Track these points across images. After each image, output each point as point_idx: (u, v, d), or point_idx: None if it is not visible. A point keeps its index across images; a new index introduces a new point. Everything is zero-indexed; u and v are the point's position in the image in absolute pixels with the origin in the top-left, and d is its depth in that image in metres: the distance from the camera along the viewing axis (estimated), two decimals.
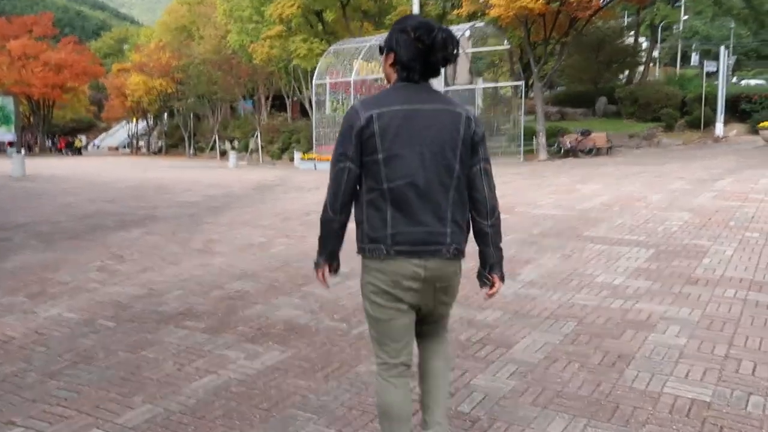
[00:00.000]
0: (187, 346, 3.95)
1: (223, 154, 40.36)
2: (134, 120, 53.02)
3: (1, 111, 41.61)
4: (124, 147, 58.55)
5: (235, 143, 39.54)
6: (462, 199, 2.34)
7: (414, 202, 2.23)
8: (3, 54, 41.92)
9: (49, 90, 42.39)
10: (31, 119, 47.74)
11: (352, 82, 21.16)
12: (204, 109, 38.43)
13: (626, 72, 38.84)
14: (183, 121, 42.65)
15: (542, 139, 22.94)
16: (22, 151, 34.14)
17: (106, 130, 66.14)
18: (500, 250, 2.47)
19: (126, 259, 6.50)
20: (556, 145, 24.12)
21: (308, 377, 3.44)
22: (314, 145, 22.53)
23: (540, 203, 9.92)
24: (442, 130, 2.26)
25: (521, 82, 24.78)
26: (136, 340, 4.07)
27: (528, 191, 11.91)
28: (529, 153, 24.23)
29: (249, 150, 33.70)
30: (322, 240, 2.43)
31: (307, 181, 16.21)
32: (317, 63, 23.49)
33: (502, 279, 2.48)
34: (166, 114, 46.62)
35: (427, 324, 2.48)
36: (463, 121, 2.29)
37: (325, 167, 21.85)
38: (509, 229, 7.63)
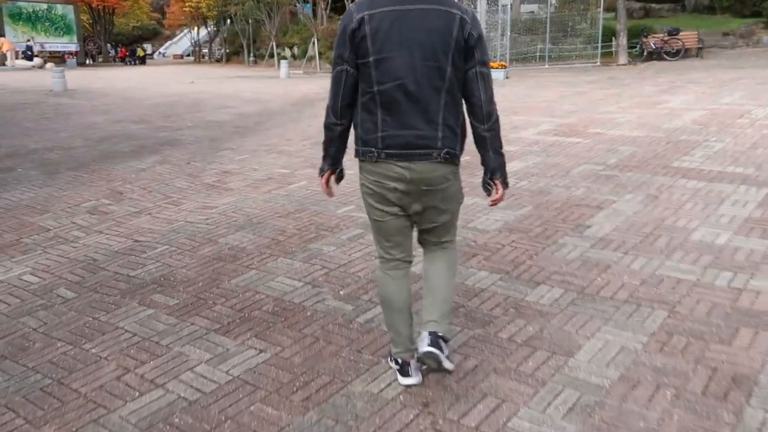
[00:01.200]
0: (143, 337, 3.03)
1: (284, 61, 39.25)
2: (196, 27, 52.19)
3: (63, 20, 41.37)
4: (188, 55, 58.14)
5: (295, 50, 38.23)
6: (455, 102, 2.31)
7: (404, 105, 2.23)
8: None
9: None
10: (94, 28, 47.47)
11: None
12: (260, 14, 36.92)
13: None
14: (241, 28, 41.44)
15: (623, 39, 20.55)
16: (65, 65, 33.97)
17: (170, 38, 65.69)
18: (501, 155, 2.47)
19: (125, 196, 5.63)
20: (638, 46, 21.69)
21: (281, 401, 2.46)
22: None
23: (618, 121, 8.42)
24: (434, 32, 2.21)
25: None
26: (86, 324, 3.19)
27: (604, 104, 10.32)
28: (608, 56, 21.90)
29: (306, 57, 32.32)
30: (326, 144, 2.45)
31: None
32: None
33: (505, 184, 2.47)
34: (229, 21, 45.29)
35: (426, 232, 2.50)
36: (457, 23, 2.22)
37: None
38: (578, 157, 6.31)
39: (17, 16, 38.93)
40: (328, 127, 2.40)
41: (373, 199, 2.37)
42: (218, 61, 46.71)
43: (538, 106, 10.48)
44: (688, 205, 4.65)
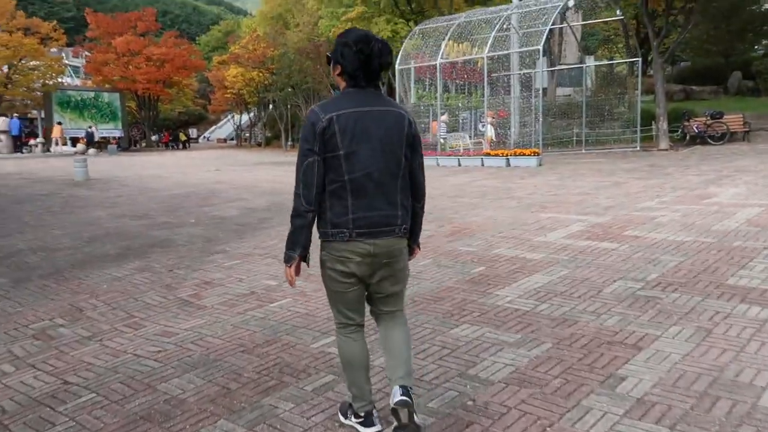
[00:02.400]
0: None
1: None
2: (239, 112, 53.62)
3: (109, 107, 42.88)
4: (231, 139, 59.57)
5: None
6: (406, 186, 2.70)
7: (370, 190, 2.59)
8: (109, 51, 43.05)
9: (152, 85, 43.13)
10: (140, 114, 49.08)
11: (438, 65, 18.98)
12: (297, 100, 37.56)
13: (764, 42, 33.85)
14: (279, 113, 42.25)
15: (663, 123, 19.72)
16: (107, 150, 34.72)
17: (215, 122, 67.70)
18: (422, 223, 2.89)
19: (83, 315, 4.90)
20: (680, 130, 20.84)
21: None
22: None
23: (660, 221, 7.48)
24: (392, 128, 2.61)
25: (638, 59, 21.54)
26: None
27: (644, 198, 9.39)
28: (648, 140, 21.04)
29: None
30: (297, 234, 2.64)
31: None
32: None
33: (419, 246, 2.93)
34: (271, 106, 46.31)
35: (381, 302, 2.81)
36: (407, 122, 2.66)
37: None
38: (612, 270, 5.36)
39: (66, 104, 40.47)
40: (301, 215, 2.61)
41: (338, 273, 2.67)
42: (259, 145, 47.56)
43: (571, 200, 9.62)
44: (752, 346, 3.65)
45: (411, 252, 2.86)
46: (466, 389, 3.28)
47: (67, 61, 49.22)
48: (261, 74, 42.13)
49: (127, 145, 43.15)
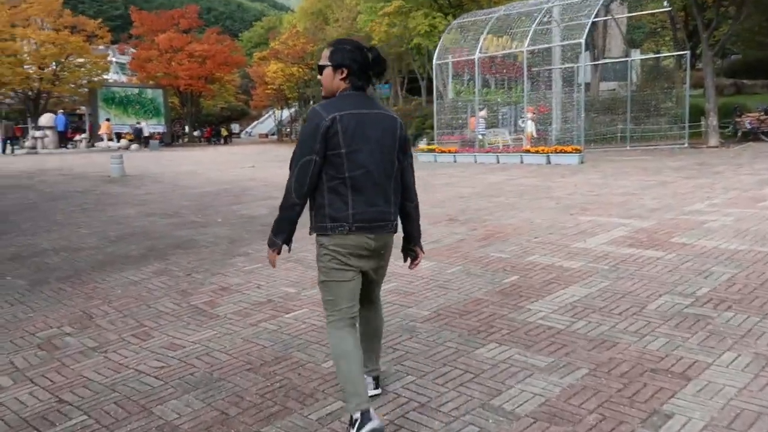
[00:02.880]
0: None
1: None
2: (279, 108, 53.88)
3: (152, 103, 43.49)
4: (273, 134, 59.95)
5: None
6: (398, 187, 2.90)
7: (369, 188, 2.76)
8: (153, 48, 43.64)
9: (194, 81, 43.55)
10: (182, 110, 49.66)
11: (477, 60, 18.46)
12: None
13: None
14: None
15: (713, 119, 18.82)
16: (149, 146, 35.12)
17: (257, 117, 68.23)
18: (420, 225, 3.11)
19: (92, 322, 4.70)
20: (731, 126, 19.88)
21: None
22: (435, 134, 20.14)
23: (711, 226, 6.94)
24: (387, 131, 2.82)
25: (686, 52, 20.61)
26: None
27: (692, 200, 8.81)
28: (696, 136, 20.14)
29: None
30: (282, 223, 2.85)
31: (417, 179, 13.87)
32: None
33: (422, 249, 3.15)
34: (311, 101, 46.35)
35: (369, 287, 3.01)
36: (398, 125, 2.88)
37: (446, 160, 19.63)
38: (657, 282, 4.90)
39: (111, 100, 41.21)
40: (290, 207, 2.80)
41: (338, 264, 2.80)
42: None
43: (613, 201, 9.09)
44: None
45: (415, 256, 3.12)
46: (488, 423, 2.92)
47: (114, 59, 50.19)
48: (300, 70, 42.21)
49: (169, 140, 43.71)
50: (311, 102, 45.04)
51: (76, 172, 17.73)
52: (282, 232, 2.86)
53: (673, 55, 23.71)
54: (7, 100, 42.51)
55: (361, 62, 2.77)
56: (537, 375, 3.40)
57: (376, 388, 3.16)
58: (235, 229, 8.10)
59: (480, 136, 19.28)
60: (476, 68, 18.47)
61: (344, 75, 2.78)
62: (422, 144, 21.36)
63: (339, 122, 2.67)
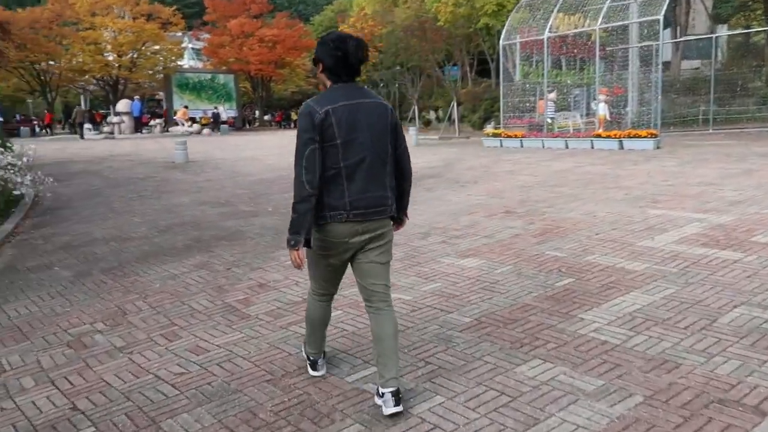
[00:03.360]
0: None
1: (428, 123, 38.81)
2: None
3: (224, 88, 44.29)
4: None
5: (440, 112, 37.94)
6: (392, 170, 2.99)
7: (365, 175, 2.87)
8: (225, 33, 44.34)
9: (264, 66, 44.02)
10: (253, 94, 50.41)
11: (545, 40, 17.60)
12: (404, 79, 36.95)
13: None
14: (386, 91, 41.96)
15: None
16: (220, 130, 35.74)
17: None
18: (409, 197, 3.18)
19: (125, 319, 4.60)
20: None
21: None
22: (501, 118, 19.44)
23: None
24: (379, 119, 2.91)
25: None
26: None
27: None
28: None
29: (449, 119, 31.56)
30: (302, 218, 2.86)
31: (478, 167, 13.42)
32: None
33: (407, 216, 3.24)
34: (380, 85, 46.11)
35: (369, 277, 3.06)
36: (389, 112, 2.96)
37: (512, 145, 18.91)
38: (732, 290, 4.34)
39: (185, 86, 42.20)
40: (306, 200, 2.83)
41: (327, 251, 3.01)
42: None
43: (689, 192, 8.37)
44: None
45: (400, 222, 3.20)
46: None
47: (191, 45, 51.43)
48: (368, 53, 41.89)
49: (241, 124, 44.47)
50: (381, 85, 44.79)
51: (143, 157, 18.14)
52: (302, 227, 2.87)
53: (764, 30, 21.98)
54: (91, 87, 44.41)
55: (338, 56, 2.84)
56: (583, 401, 3.00)
57: (397, 405, 2.90)
58: (283, 219, 7.92)
59: (548, 120, 18.47)
60: (545, 48, 17.63)
61: (321, 69, 2.93)
62: (489, 128, 20.70)
63: (333, 114, 2.80)
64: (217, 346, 4.00)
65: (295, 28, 47.53)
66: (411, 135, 20.61)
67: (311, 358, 3.45)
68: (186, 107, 38.60)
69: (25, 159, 9.63)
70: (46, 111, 41.80)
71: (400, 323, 4.14)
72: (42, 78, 39.43)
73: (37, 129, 39.55)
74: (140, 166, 15.54)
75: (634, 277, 4.84)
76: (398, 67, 38.11)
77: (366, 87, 3.12)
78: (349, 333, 4.09)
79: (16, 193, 8.82)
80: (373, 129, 2.87)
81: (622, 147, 15.61)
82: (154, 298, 5.07)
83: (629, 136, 15.63)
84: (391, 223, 3.07)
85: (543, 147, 17.36)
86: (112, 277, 5.77)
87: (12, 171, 8.85)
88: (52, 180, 9.82)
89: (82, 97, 49.35)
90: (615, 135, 15.98)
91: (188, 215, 8.61)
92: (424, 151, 17.93)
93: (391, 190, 2.98)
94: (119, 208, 9.43)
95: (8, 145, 12.20)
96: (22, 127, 33.69)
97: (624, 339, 3.69)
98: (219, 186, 11.44)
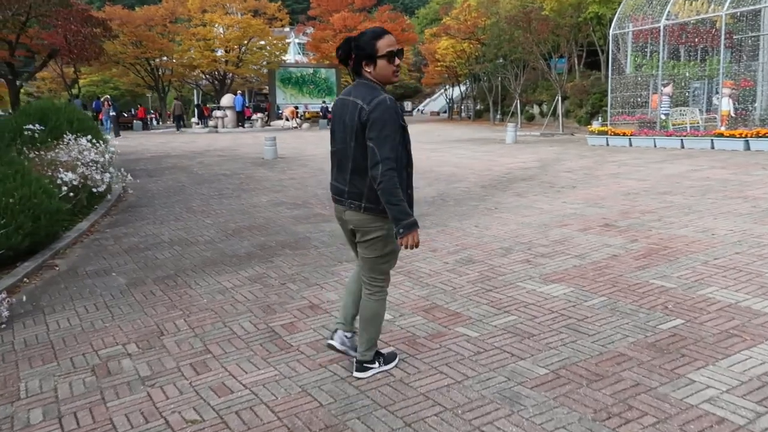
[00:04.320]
0: None
1: (531, 119, 37.27)
2: (451, 85, 53.02)
3: (325, 83, 44.64)
4: (444, 112, 59.35)
5: (543, 107, 36.42)
6: (359, 167, 3.09)
7: (336, 164, 3.26)
8: (327, 28, 44.65)
9: None
10: None
11: (662, 28, 16.00)
12: (506, 71, 35.58)
13: None
14: (489, 86, 40.74)
15: None
16: (304, 126, 35.86)
17: (430, 95, 67.98)
18: (391, 207, 2.99)
19: (161, 341, 4.17)
20: None
21: None
22: (609, 114, 17.95)
23: None
24: (350, 117, 3.08)
25: None
26: None
27: None
28: None
29: (552, 114, 30.05)
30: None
31: (579, 169, 12.29)
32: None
33: (400, 236, 3.02)
34: (483, 79, 44.93)
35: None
36: (359, 111, 3.02)
37: (620, 143, 17.35)
38: None
39: (287, 80, 42.90)
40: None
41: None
42: (469, 118, 46.80)
43: None
44: None
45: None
46: None
47: (296, 40, 52.36)
48: (471, 45, 40.81)
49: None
50: (483, 80, 43.54)
51: (236, 153, 18.23)
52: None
53: None
54: (203, 82, 46.20)
55: (345, 51, 3.13)
56: None
57: (357, 371, 3.44)
58: None
59: (662, 116, 16.83)
60: (661, 37, 16.03)
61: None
62: (595, 125, 19.23)
63: (332, 107, 3.32)
64: (243, 385, 3.45)
65: (397, 21, 47.11)
66: (508, 132, 19.52)
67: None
68: (296, 107, 39.12)
69: (107, 156, 9.63)
70: (139, 105, 43.86)
71: (460, 367, 3.44)
72: (155, 73, 41.36)
73: (155, 122, 41.58)
74: (230, 162, 15.54)
75: (764, 323, 3.84)
76: (501, 60, 36.79)
77: (369, 84, 3.11)
78: (394, 381, 3.41)
79: (98, 190, 8.78)
80: (345, 125, 3.10)
81: (748, 148, 13.88)
82: (196, 317, 4.62)
83: (757, 136, 13.85)
84: (370, 220, 3.13)
85: (655, 146, 15.82)
86: (164, 287, 5.41)
87: (93, 168, 8.83)
88: (130, 178, 9.78)
89: (195, 92, 51.60)
90: (740, 134, 14.23)
91: (261, 217, 8.23)
92: (522, 149, 16.85)
93: (352, 185, 3.13)
94: (196, 207, 9.22)
95: (105, 138, 12.40)
96: (135, 121, 35.31)
97: (749, 418, 2.79)
98: (301, 185, 11.06)
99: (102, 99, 31.90)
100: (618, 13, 18.05)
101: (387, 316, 4.38)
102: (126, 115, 38.78)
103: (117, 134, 27.83)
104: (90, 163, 8.83)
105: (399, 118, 3.02)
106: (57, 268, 6.27)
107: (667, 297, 4.37)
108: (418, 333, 4.01)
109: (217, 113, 34.10)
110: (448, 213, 7.90)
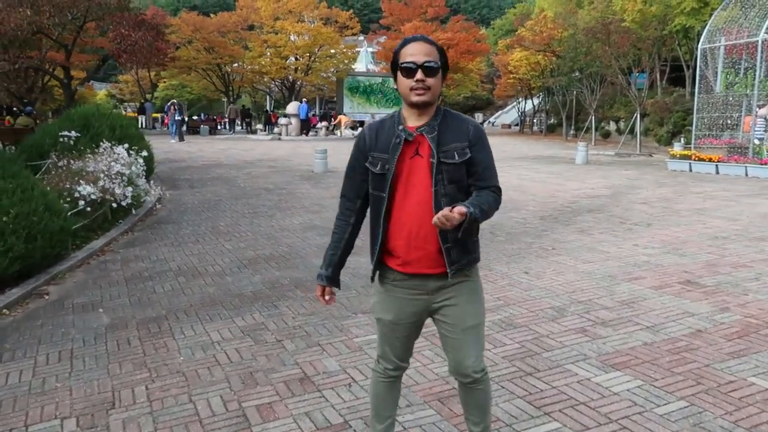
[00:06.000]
0: None
1: (606, 136, 35.36)
2: (524, 97, 51.44)
3: (393, 93, 43.88)
4: (516, 125, 57.68)
5: (621, 124, 34.57)
6: None
7: None
8: (399, 37, 43.97)
9: None
10: None
11: (760, 43, 14.30)
12: (581, 86, 33.83)
13: None
14: (562, 99, 39.03)
15: None
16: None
17: (502, 107, 66.38)
18: None
19: (102, 422, 3.33)
20: None
21: None
22: (693, 137, 16.26)
23: None
24: None
25: None
26: None
27: None
28: None
29: (630, 132, 28.23)
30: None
31: (656, 200, 10.89)
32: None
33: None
34: (555, 92, 43.25)
35: None
36: None
37: (705, 170, 15.60)
38: None
39: (355, 89, 42.46)
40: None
41: None
42: (540, 132, 45.30)
43: None
44: None
45: None
46: None
47: (369, 49, 52.01)
48: (546, 58, 39.26)
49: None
50: (557, 94, 41.81)
51: (288, 164, 17.56)
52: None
53: None
54: (274, 89, 46.41)
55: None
56: None
57: None
58: None
59: (756, 141, 15.05)
60: (759, 52, 14.33)
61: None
62: (676, 147, 17.55)
63: None
64: None
65: (470, 32, 45.98)
66: (579, 151, 18.05)
67: None
68: (345, 115, 38.62)
69: (135, 167, 9.03)
70: (217, 114, 44.37)
71: None
72: (226, 79, 41.72)
73: (222, 127, 41.97)
74: (278, 174, 14.86)
75: None
76: (576, 73, 35.10)
77: None
78: None
79: (120, 204, 8.17)
80: None
81: None
82: (162, 383, 3.76)
83: None
84: None
85: (746, 176, 14.10)
86: (144, 333, 4.60)
87: (118, 180, 8.23)
88: (160, 191, 9.14)
89: (266, 98, 52.02)
90: None
91: (285, 244, 7.37)
92: (593, 171, 15.42)
93: None
94: (223, 227, 8.47)
95: (148, 144, 11.94)
96: (202, 126, 35.57)
97: None
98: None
99: (169, 104, 32.19)
100: (709, 25, 16.37)
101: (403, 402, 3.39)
102: (196, 119, 39.22)
103: (181, 139, 27.89)
104: (115, 176, 8.23)
105: (359, 151, 2.42)
106: (47, 297, 5.59)
107: None
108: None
109: (282, 120, 33.88)
110: (496, 251, 6.80)
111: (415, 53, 2.29)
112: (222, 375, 3.85)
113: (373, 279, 2.52)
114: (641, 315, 4.64)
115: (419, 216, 2.31)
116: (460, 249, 2.33)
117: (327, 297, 2.59)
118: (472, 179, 2.35)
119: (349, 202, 2.49)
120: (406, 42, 2.36)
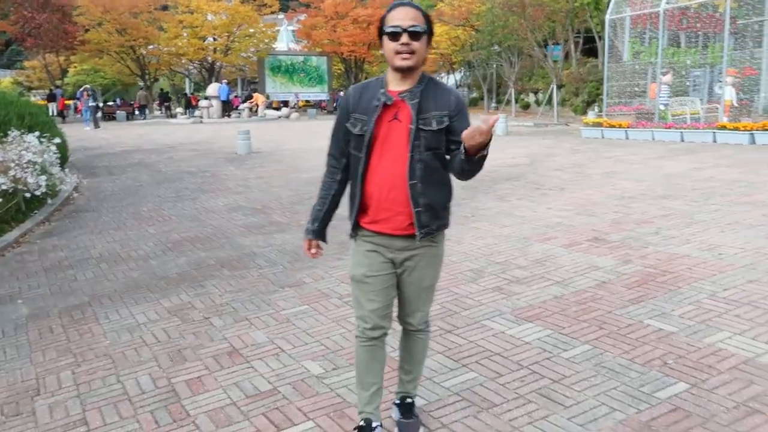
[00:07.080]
0: None
1: (526, 107, 36.33)
2: (446, 72, 51.99)
3: (316, 71, 43.60)
4: None
5: (539, 95, 35.56)
6: None
7: None
8: (318, 14, 43.50)
9: (357, 47, 42.86)
10: (348, 78, 49.46)
11: (662, 13, 15.06)
12: (500, 59, 34.60)
13: None
14: (482, 73, 39.76)
15: None
16: (307, 114, 34.91)
17: None
18: None
19: (27, 408, 3.31)
20: None
21: None
22: (604, 105, 17.03)
23: None
24: None
25: None
26: None
27: None
28: None
29: (548, 103, 29.12)
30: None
31: (570, 166, 11.40)
32: None
33: None
34: (476, 66, 43.92)
35: None
36: None
37: (616, 136, 16.44)
38: None
39: (276, 69, 41.83)
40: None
41: None
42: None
43: None
44: None
45: None
46: None
47: (289, 27, 51.15)
48: (465, 32, 39.79)
49: (332, 108, 43.67)
50: (478, 68, 42.50)
51: (210, 147, 17.26)
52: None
53: None
54: (192, 71, 45.05)
55: None
56: None
57: None
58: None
59: (661, 107, 15.92)
60: (661, 22, 15.10)
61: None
62: (590, 115, 18.31)
63: None
64: None
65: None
66: (499, 122, 18.54)
67: None
68: (262, 94, 38.01)
69: (47, 156, 8.72)
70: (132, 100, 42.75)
71: None
72: (141, 62, 40.23)
73: (137, 112, 40.52)
74: (201, 157, 14.60)
75: None
76: (495, 47, 35.81)
77: None
78: None
79: (33, 194, 7.89)
80: None
81: (753, 142, 13.00)
82: (88, 367, 3.76)
83: (763, 129, 12.97)
84: None
85: (653, 139, 14.93)
86: (68, 321, 4.54)
87: (30, 170, 7.93)
88: (77, 179, 8.88)
89: (186, 81, 50.44)
90: (744, 127, 13.35)
91: (210, 225, 7.35)
92: (513, 142, 15.93)
93: None
94: (145, 212, 8.33)
95: (60, 131, 11.51)
96: (119, 111, 34.28)
97: None
98: (266, 185, 10.14)
99: (81, 89, 30.80)
100: None
101: (317, 369, 3.52)
102: (111, 105, 37.72)
103: (96, 126, 26.83)
104: (27, 165, 7.92)
105: (343, 111, 2.50)
106: None
107: (667, 347, 3.50)
108: (349, 399, 3.15)
109: (203, 103, 33.09)
110: None
111: (401, 18, 2.33)
112: (150, 354, 3.88)
113: (351, 235, 2.59)
114: (552, 271, 4.95)
115: (390, 178, 2.40)
116: (430, 214, 2.45)
117: (313, 250, 2.66)
118: (453, 146, 2.42)
119: (334, 160, 2.56)
120: (393, 7, 2.40)
